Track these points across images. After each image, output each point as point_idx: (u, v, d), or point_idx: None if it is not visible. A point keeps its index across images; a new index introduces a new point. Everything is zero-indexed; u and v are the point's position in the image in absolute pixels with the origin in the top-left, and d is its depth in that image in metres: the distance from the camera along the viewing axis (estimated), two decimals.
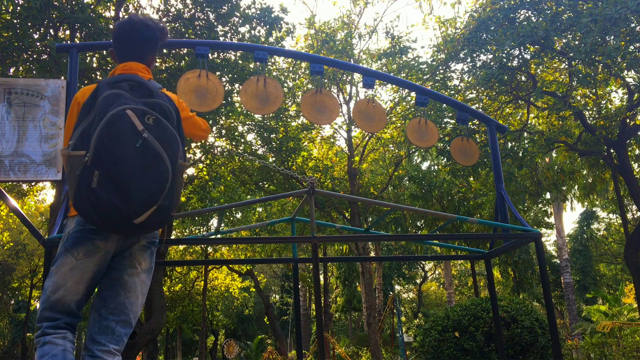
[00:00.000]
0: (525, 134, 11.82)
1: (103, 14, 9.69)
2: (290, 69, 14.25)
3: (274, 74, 12.93)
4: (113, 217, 1.88)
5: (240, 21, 9.69)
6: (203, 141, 12.21)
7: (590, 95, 11.10)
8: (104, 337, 2.00)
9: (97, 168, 1.86)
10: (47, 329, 1.98)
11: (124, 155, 1.87)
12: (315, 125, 14.61)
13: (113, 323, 2.02)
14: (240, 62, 9.91)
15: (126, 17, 2.42)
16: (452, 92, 11.57)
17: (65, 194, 2.96)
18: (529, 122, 12.66)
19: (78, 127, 1.99)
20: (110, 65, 9.10)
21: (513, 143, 11.32)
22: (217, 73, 9.27)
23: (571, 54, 8.91)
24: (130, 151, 1.88)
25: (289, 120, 14.19)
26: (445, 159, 12.34)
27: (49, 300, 2.00)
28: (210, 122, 11.46)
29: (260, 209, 17.50)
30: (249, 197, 14.62)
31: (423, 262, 32.16)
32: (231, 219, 16.14)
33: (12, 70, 8.62)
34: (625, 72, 9.15)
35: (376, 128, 4.69)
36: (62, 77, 7.91)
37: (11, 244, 21.04)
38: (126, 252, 2.11)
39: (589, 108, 11.13)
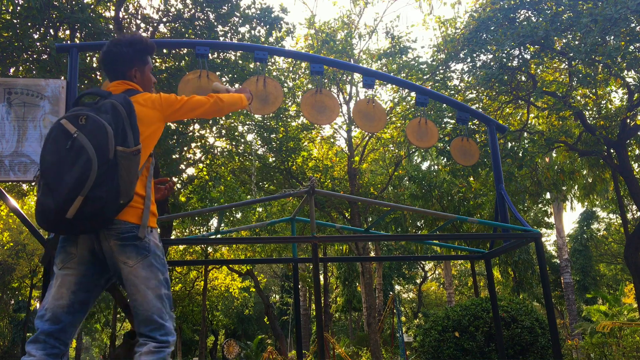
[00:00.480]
0: (525, 134, 11.82)
1: (103, 14, 9.69)
2: (290, 69, 14.25)
3: (274, 74, 12.93)
4: (50, 218, 1.99)
5: (240, 21, 9.69)
6: (203, 141, 12.20)
7: (590, 95, 11.10)
8: (144, 339, 2.13)
9: (42, 179, 2.03)
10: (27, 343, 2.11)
11: (57, 160, 2.01)
12: (315, 125, 14.61)
13: (138, 324, 2.14)
14: (240, 62, 9.91)
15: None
16: (452, 92, 11.57)
17: None
18: (529, 122, 12.66)
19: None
20: None
21: (513, 143, 11.32)
22: (217, 73, 9.27)
23: (571, 54, 8.91)
24: (62, 154, 2.00)
25: (289, 120, 14.20)
26: (445, 159, 12.34)
27: (42, 308, 2.14)
28: (210, 122, 11.46)
29: (260, 209, 17.51)
30: (249, 197, 14.62)
31: (423, 262, 32.17)
32: (231, 219, 16.13)
33: (12, 70, 8.62)
34: (625, 72, 9.15)
35: (376, 128, 4.69)
36: (62, 77, 7.91)
37: (11, 244, 21.05)
38: (110, 257, 2.14)
39: (589, 108, 11.13)
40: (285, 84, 13.76)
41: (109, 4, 9.73)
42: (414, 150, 15.79)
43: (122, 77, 2.37)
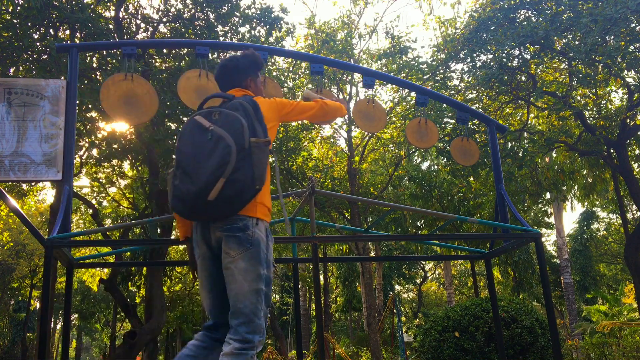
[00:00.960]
0: (525, 134, 11.82)
1: (103, 14, 9.69)
2: (290, 69, 14.24)
3: (274, 74, 12.92)
4: (188, 201, 2.16)
5: (240, 21, 9.69)
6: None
7: (590, 95, 11.09)
8: (230, 336, 2.17)
9: (177, 170, 2.23)
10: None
11: (194, 150, 2.20)
12: (315, 125, 14.60)
13: (230, 316, 2.20)
14: None
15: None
16: (452, 92, 11.56)
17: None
18: (529, 122, 12.66)
19: None
20: (110, 66, 9.10)
21: (513, 143, 11.31)
22: None
23: (571, 54, 8.91)
24: (200, 145, 2.21)
25: None
26: (445, 159, 12.33)
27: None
28: None
29: None
30: None
31: (423, 262, 32.16)
32: None
33: (12, 70, 8.61)
34: (625, 72, 9.15)
35: (376, 128, 4.69)
36: (62, 77, 7.91)
37: (11, 244, 21.04)
38: (219, 248, 2.29)
39: (589, 108, 11.13)
40: (285, 84, 13.76)
41: (109, 4, 9.73)
42: (414, 150, 15.79)
43: (238, 85, 2.62)
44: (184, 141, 2.27)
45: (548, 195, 15.55)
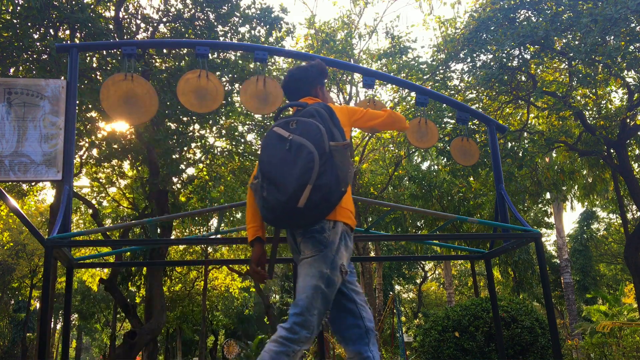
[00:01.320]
0: (525, 134, 11.81)
1: (103, 14, 9.69)
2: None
3: (274, 74, 12.93)
4: (278, 212, 2.22)
5: (240, 21, 9.69)
6: (203, 141, 12.22)
7: (590, 95, 11.09)
8: (283, 324, 2.22)
9: (263, 182, 2.29)
10: None
11: (277, 161, 2.25)
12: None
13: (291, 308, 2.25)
14: (240, 62, 9.91)
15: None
16: (452, 92, 11.56)
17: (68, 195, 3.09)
18: (529, 122, 12.66)
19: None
20: (110, 66, 9.10)
21: (513, 143, 11.31)
22: (217, 73, 9.27)
23: (571, 54, 8.91)
24: (282, 155, 2.25)
25: None
26: (445, 159, 12.33)
27: None
28: (210, 122, 11.46)
29: None
30: None
31: (423, 262, 32.15)
32: (231, 219, 16.12)
33: (12, 70, 8.61)
34: (625, 72, 9.14)
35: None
36: (62, 77, 7.91)
37: (11, 244, 21.04)
38: (295, 249, 2.42)
39: (589, 108, 11.12)
40: None
41: (109, 4, 9.73)
42: (414, 150, 15.79)
43: (308, 94, 2.69)
44: (266, 153, 2.32)
45: (548, 195, 15.54)
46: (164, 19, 9.91)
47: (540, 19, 8.94)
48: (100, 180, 14.11)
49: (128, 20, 10.06)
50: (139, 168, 12.78)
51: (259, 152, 14.70)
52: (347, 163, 2.29)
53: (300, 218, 2.22)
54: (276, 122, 2.47)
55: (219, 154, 13.74)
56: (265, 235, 2.53)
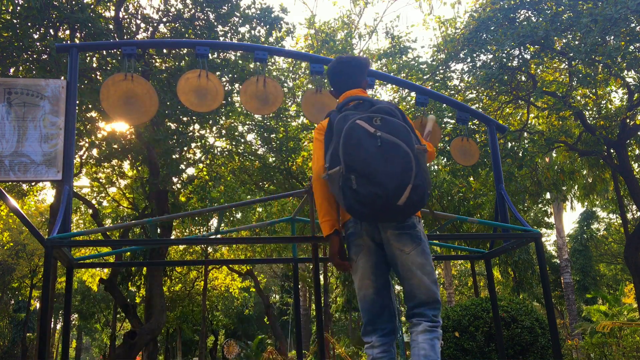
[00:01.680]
0: (525, 134, 11.81)
1: (103, 14, 9.69)
2: (290, 69, 14.24)
3: (274, 74, 12.92)
4: (378, 206, 2.22)
5: (240, 21, 9.69)
6: (203, 141, 12.22)
7: (590, 95, 11.09)
8: (418, 318, 2.35)
9: (351, 173, 2.25)
10: (362, 335, 2.42)
11: (368, 155, 2.24)
12: (316, 124, 14.56)
13: (414, 306, 2.37)
14: (240, 62, 9.91)
15: (333, 60, 2.82)
16: (452, 92, 11.56)
17: (68, 194, 3.13)
18: (529, 122, 12.66)
19: (327, 152, 2.40)
20: (110, 66, 9.10)
21: (513, 143, 11.31)
22: (217, 73, 9.27)
23: (571, 54, 8.91)
24: (374, 151, 2.24)
25: (289, 120, 14.19)
26: (445, 159, 12.33)
27: (359, 300, 2.45)
28: (210, 122, 11.46)
29: (260, 209, 17.49)
30: (249, 197, 14.60)
31: None
32: (231, 219, 16.11)
33: (12, 70, 8.61)
34: (625, 72, 9.14)
35: None
36: (62, 77, 7.91)
37: (11, 244, 21.04)
38: (388, 245, 2.41)
39: (589, 108, 11.12)
40: (285, 84, 13.76)
41: (109, 4, 9.73)
42: None
43: (359, 86, 2.69)
44: (353, 145, 2.27)
45: (548, 195, 15.54)
46: (164, 19, 9.91)
47: (540, 19, 8.93)
48: (100, 180, 14.11)
49: (128, 20, 10.06)
50: (139, 168, 12.78)
51: (258, 152, 14.72)
52: (426, 166, 2.37)
53: (398, 215, 2.29)
54: (351, 115, 2.40)
55: (219, 154, 13.74)
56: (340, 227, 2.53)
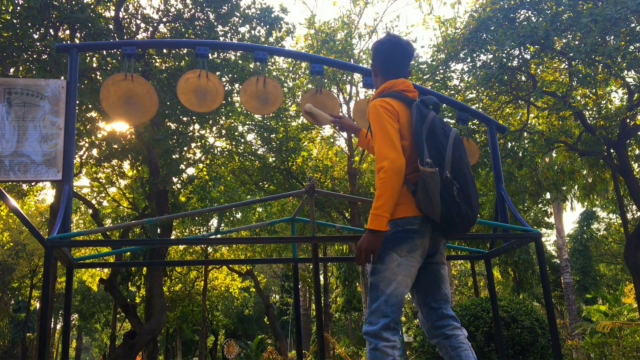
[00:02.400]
0: (525, 134, 11.82)
1: (103, 14, 9.69)
2: (290, 69, 14.25)
3: (274, 74, 12.92)
4: (463, 225, 2.26)
5: (240, 21, 9.69)
6: (203, 141, 12.23)
7: (590, 95, 11.09)
8: (446, 320, 2.42)
9: (454, 183, 2.23)
10: (382, 331, 2.28)
11: (466, 172, 2.27)
12: (315, 125, 14.60)
13: (444, 310, 2.43)
14: (240, 62, 9.91)
15: (388, 36, 2.60)
16: (452, 92, 11.56)
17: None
18: (529, 122, 12.66)
19: (422, 144, 2.28)
20: (110, 66, 9.10)
21: (513, 143, 11.31)
22: (217, 73, 9.27)
23: (571, 54, 8.91)
24: (467, 168, 2.28)
25: (289, 120, 14.19)
26: None
27: (384, 294, 2.33)
28: (210, 122, 11.46)
29: (260, 209, 17.50)
30: (249, 197, 14.61)
31: None
32: (231, 219, 16.13)
33: (12, 70, 8.61)
34: (625, 72, 9.14)
35: None
36: (62, 77, 7.91)
37: (11, 244, 21.04)
38: (437, 251, 2.42)
39: (589, 108, 11.13)
40: (285, 84, 13.76)
41: (109, 4, 9.73)
42: None
43: (406, 75, 2.58)
44: (457, 158, 2.27)
45: (548, 195, 15.54)
46: (164, 19, 9.91)
47: (540, 19, 8.93)
48: (100, 180, 14.12)
49: (128, 20, 10.06)
50: (139, 168, 12.78)
51: (258, 152, 14.71)
52: None
53: (463, 235, 2.42)
54: (440, 119, 2.37)
55: (219, 154, 13.75)
56: None
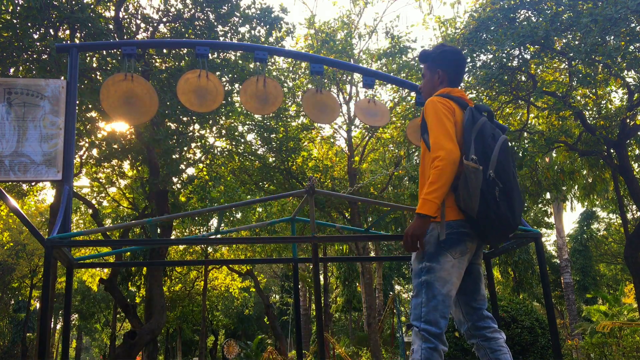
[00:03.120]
0: (525, 134, 11.82)
1: (103, 14, 9.69)
2: (290, 69, 14.25)
3: (274, 74, 12.92)
4: (505, 230, 2.30)
5: (240, 21, 9.69)
6: (203, 141, 12.23)
7: (590, 95, 11.09)
8: (486, 322, 2.47)
9: (497, 184, 2.26)
10: (443, 335, 2.30)
11: (512, 176, 2.31)
12: (315, 125, 14.61)
13: (484, 311, 2.49)
14: (240, 62, 9.91)
15: (457, 49, 2.77)
16: None
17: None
18: (529, 122, 12.66)
19: (469, 143, 2.34)
20: (110, 66, 9.10)
21: (513, 143, 11.31)
22: (217, 73, 9.27)
23: (571, 54, 8.91)
24: (513, 174, 2.32)
25: (289, 120, 14.19)
26: None
27: (440, 294, 2.30)
28: (210, 122, 11.46)
29: (260, 209, 17.50)
30: (249, 197, 14.61)
31: None
32: (231, 219, 16.12)
33: (12, 70, 8.61)
34: (625, 72, 9.14)
35: (380, 122, 4.67)
36: (62, 77, 7.91)
37: (11, 244, 21.04)
38: (478, 253, 2.51)
39: (589, 108, 11.12)
40: (285, 84, 13.76)
41: (109, 4, 9.73)
42: (414, 150, 15.79)
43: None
44: (502, 162, 2.30)
45: (548, 195, 15.54)
46: (164, 19, 9.91)
47: (540, 19, 8.93)
48: (100, 180, 14.12)
49: (128, 20, 10.06)
50: (139, 168, 12.78)
51: (258, 152, 14.70)
52: None
53: (501, 242, 2.59)
54: (491, 126, 2.42)
55: (219, 154, 13.74)
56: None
